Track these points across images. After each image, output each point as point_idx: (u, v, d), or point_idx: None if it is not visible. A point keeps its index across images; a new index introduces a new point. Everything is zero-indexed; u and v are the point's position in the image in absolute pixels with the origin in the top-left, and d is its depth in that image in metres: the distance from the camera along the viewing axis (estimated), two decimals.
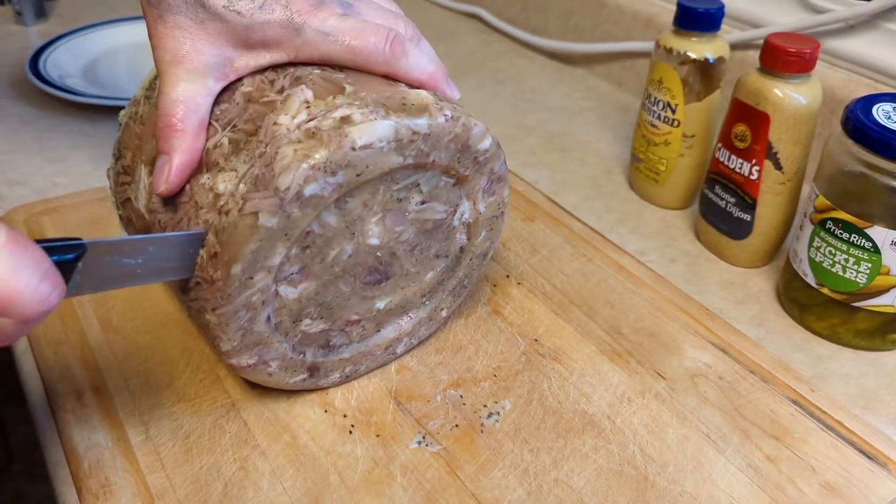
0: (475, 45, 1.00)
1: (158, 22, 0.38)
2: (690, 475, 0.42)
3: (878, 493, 0.41)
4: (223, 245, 0.36)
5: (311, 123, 0.37)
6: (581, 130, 0.80)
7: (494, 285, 0.55)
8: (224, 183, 0.37)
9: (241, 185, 0.36)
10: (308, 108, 0.37)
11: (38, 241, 0.32)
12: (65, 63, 0.84)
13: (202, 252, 0.37)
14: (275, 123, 0.37)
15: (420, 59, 0.41)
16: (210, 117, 0.39)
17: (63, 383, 0.45)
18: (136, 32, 0.92)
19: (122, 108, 0.76)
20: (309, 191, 0.36)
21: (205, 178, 0.38)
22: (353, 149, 0.37)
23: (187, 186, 0.38)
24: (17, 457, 1.09)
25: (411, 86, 0.41)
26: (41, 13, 1.01)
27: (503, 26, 1.01)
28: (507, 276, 0.56)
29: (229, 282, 0.37)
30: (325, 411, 0.44)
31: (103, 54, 0.88)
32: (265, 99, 0.38)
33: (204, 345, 0.48)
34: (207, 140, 0.38)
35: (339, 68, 0.40)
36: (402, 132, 0.38)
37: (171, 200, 0.39)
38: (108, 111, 0.77)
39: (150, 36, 0.39)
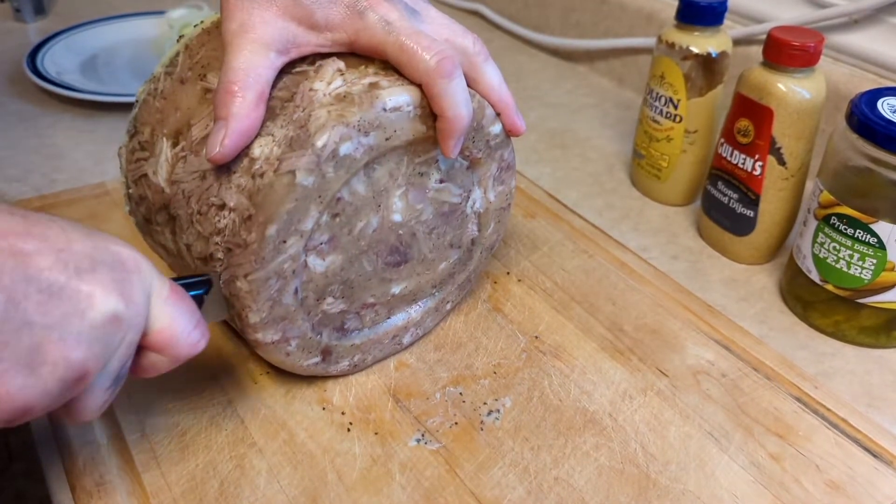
0: None
1: None
2: (693, 473, 0.41)
3: (883, 490, 0.40)
4: (258, 206, 0.37)
5: (342, 89, 0.38)
6: (582, 127, 0.79)
7: (495, 282, 0.54)
8: (260, 147, 0.37)
9: (276, 149, 0.37)
10: (342, 75, 0.39)
11: (175, 279, 0.37)
12: (63, 59, 0.83)
13: (234, 217, 0.37)
14: (311, 89, 0.38)
15: (460, 95, 0.39)
16: None
17: None
18: (134, 29, 0.92)
19: (120, 104, 0.75)
20: (344, 150, 0.37)
21: None
22: (385, 109, 0.38)
23: None
24: (16, 456, 1.09)
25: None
26: (40, 10, 1.00)
27: (504, 23, 1.01)
28: (508, 273, 0.55)
29: (264, 244, 0.37)
30: (324, 408, 0.44)
31: (102, 51, 0.88)
32: (297, 70, 0.40)
33: None
34: None
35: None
36: (426, 100, 0.39)
37: (199, 168, 0.39)
38: (106, 107, 0.77)
39: (222, 8, 0.40)
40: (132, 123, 0.44)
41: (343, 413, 0.44)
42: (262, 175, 0.37)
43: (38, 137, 0.72)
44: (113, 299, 0.31)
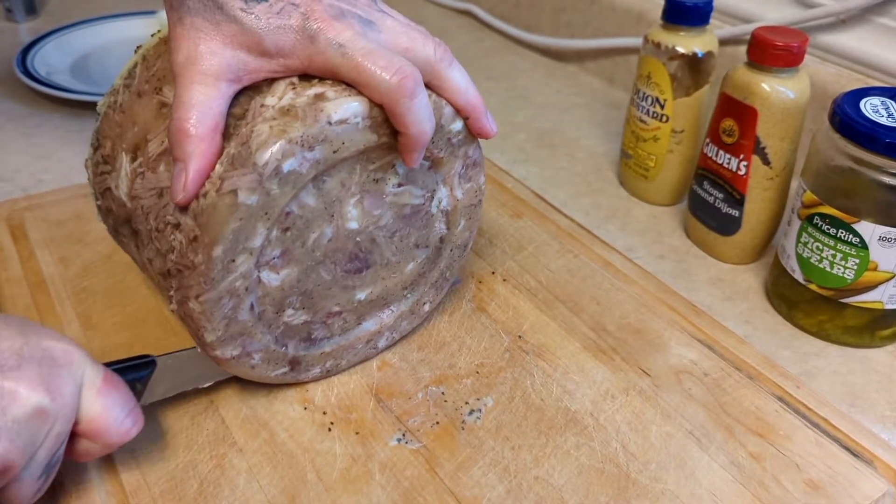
0: (467, 42, 1.00)
1: (177, 24, 0.38)
2: (673, 473, 0.41)
3: (863, 490, 0.40)
4: (203, 227, 0.36)
5: (286, 101, 0.37)
6: (571, 127, 0.79)
7: (480, 282, 0.54)
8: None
9: (218, 167, 0.36)
10: (294, 88, 0.38)
11: (115, 363, 0.40)
12: (53, 59, 0.83)
13: (181, 237, 0.37)
14: (262, 105, 0.37)
15: (423, 111, 0.39)
16: None
17: None
18: (126, 29, 0.92)
19: None
20: (287, 166, 0.36)
21: None
22: (329, 123, 0.37)
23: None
24: None
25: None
26: (32, 10, 1.00)
27: (496, 23, 1.01)
28: (493, 273, 0.55)
29: (211, 265, 0.36)
30: (305, 408, 0.44)
31: (94, 51, 0.88)
32: (251, 85, 0.39)
33: (184, 341, 0.48)
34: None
35: None
36: (376, 109, 0.38)
37: (156, 185, 0.39)
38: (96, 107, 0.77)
39: (170, 39, 0.38)
40: (95, 136, 0.43)
41: (324, 413, 0.44)
42: (205, 195, 0.36)
43: (26, 137, 0.72)
44: (38, 394, 0.33)
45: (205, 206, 0.36)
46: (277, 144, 0.36)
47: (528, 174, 0.70)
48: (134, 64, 0.42)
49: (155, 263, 0.39)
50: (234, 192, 0.35)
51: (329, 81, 0.38)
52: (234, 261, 0.37)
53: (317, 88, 0.38)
